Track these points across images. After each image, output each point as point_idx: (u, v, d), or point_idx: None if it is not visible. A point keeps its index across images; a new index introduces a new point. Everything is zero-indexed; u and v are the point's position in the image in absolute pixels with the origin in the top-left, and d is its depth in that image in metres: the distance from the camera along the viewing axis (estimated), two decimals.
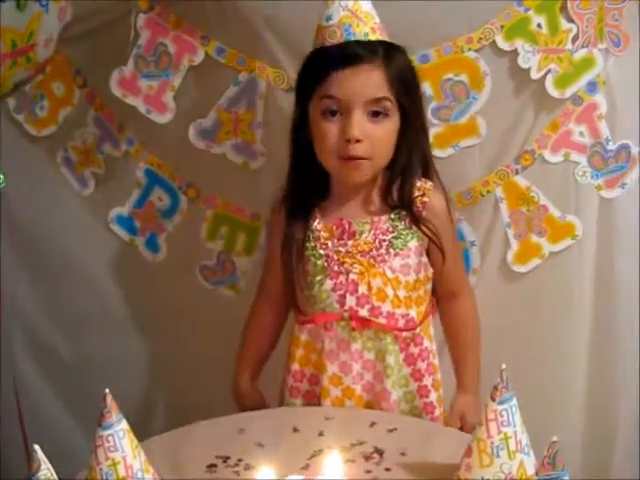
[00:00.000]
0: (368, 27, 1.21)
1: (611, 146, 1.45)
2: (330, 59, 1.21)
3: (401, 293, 1.27)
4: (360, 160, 1.22)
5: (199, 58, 1.48)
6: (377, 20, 1.23)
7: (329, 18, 1.20)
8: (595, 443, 1.60)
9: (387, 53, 1.21)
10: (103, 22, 1.52)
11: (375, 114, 1.22)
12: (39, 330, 1.77)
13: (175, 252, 1.66)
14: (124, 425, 0.95)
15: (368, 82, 1.20)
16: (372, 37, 1.21)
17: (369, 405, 1.31)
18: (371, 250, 1.27)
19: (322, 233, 1.29)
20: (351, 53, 1.20)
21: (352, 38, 1.20)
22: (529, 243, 1.49)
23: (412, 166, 1.28)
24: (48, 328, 1.77)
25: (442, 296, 1.38)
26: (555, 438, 0.82)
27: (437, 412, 1.34)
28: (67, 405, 1.79)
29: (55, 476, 0.87)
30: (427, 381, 1.32)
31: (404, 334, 1.29)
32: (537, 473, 0.83)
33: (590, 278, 1.52)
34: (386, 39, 1.23)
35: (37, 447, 0.86)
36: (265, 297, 1.43)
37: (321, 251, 1.29)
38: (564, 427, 1.57)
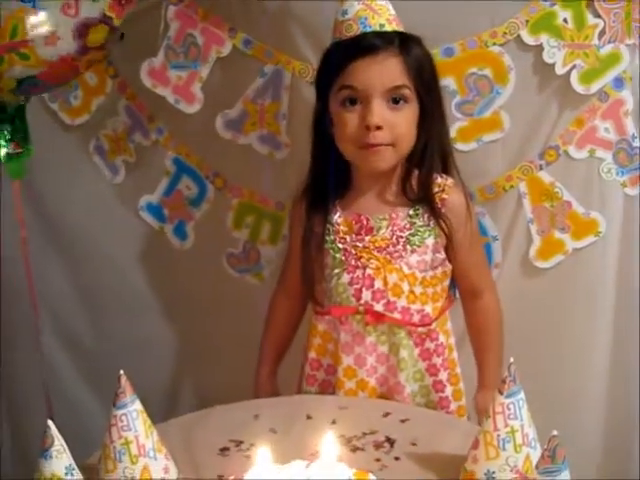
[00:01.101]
0: (383, 19, 1.22)
1: (637, 143, 1.44)
2: (347, 50, 1.22)
3: (417, 289, 1.28)
4: (380, 146, 1.23)
5: (226, 50, 1.51)
6: (392, 12, 1.24)
7: (345, 13, 1.22)
8: (615, 441, 1.59)
9: (403, 42, 1.22)
10: (134, 14, 1.54)
11: (394, 101, 1.22)
12: (67, 314, 1.82)
13: (202, 240, 1.69)
14: (137, 406, 0.98)
15: (386, 70, 1.21)
16: (388, 28, 1.22)
17: (384, 398, 1.32)
18: (388, 246, 1.28)
19: (341, 227, 1.30)
20: (368, 43, 1.21)
21: (368, 29, 1.21)
22: (552, 239, 1.49)
23: (430, 157, 1.28)
24: (76, 312, 1.82)
25: (465, 294, 1.38)
26: (555, 432, 0.82)
27: (452, 406, 1.34)
28: (92, 389, 1.84)
29: (68, 452, 0.90)
30: (442, 376, 1.33)
31: (419, 329, 1.30)
32: (537, 466, 0.83)
33: (613, 275, 1.50)
34: (402, 29, 1.24)
35: (50, 423, 0.89)
36: (284, 290, 1.45)
37: (340, 245, 1.30)
38: (584, 423, 1.57)
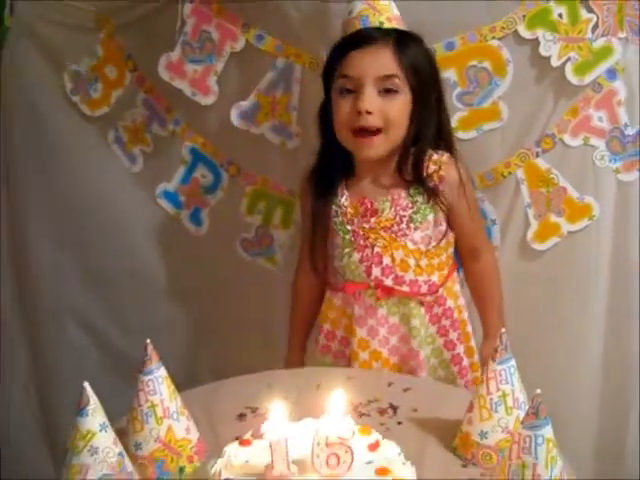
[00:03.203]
0: (384, 17, 1.31)
1: (629, 131, 1.50)
2: (346, 43, 1.32)
3: (423, 262, 1.37)
4: (371, 137, 1.32)
5: (240, 45, 1.58)
6: (395, 12, 1.32)
7: (350, 12, 1.32)
8: (610, 425, 1.64)
9: (399, 37, 1.31)
10: (152, 10, 1.63)
11: (386, 90, 1.31)
12: (84, 300, 1.88)
13: (217, 225, 1.76)
14: (163, 372, 1.06)
15: (378, 60, 1.30)
16: (387, 26, 1.31)
17: (397, 367, 1.41)
18: (392, 225, 1.37)
19: (348, 209, 1.39)
20: (364, 35, 1.30)
21: (368, 26, 1.30)
22: (548, 222, 1.56)
23: (423, 143, 1.36)
24: (93, 297, 1.88)
25: (465, 256, 1.47)
26: (538, 391, 0.90)
27: (465, 362, 1.44)
28: (111, 370, 1.88)
29: (102, 410, 0.97)
30: (452, 336, 1.42)
31: (427, 298, 1.39)
32: (522, 422, 0.92)
33: (607, 257, 1.57)
34: (400, 28, 1.32)
35: (86, 384, 0.96)
36: (304, 270, 1.52)
37: (348, 227, 1.39)
38: (579, 405, 1.63)
